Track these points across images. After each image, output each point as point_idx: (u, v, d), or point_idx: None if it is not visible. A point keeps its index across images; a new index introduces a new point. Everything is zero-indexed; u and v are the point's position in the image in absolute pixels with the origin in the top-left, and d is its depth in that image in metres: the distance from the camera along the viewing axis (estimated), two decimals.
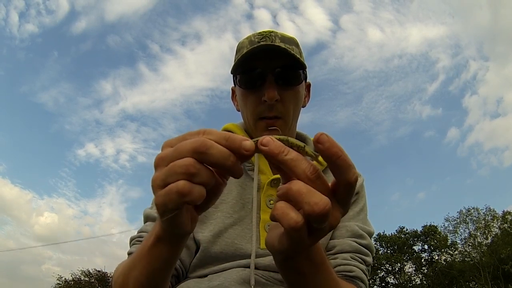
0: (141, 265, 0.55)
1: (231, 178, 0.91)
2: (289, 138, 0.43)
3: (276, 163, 0.40)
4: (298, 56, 0.85)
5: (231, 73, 0.92)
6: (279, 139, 0.42)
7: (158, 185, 0.40)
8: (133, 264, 0.57)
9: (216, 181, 0.42)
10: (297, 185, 0.39)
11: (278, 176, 0.87)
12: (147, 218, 0.86)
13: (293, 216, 0.38)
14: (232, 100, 1.02)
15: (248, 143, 0.40)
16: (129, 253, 0.78)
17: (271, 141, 0.40)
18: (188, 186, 0.38)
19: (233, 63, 0.90)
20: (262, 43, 0.84)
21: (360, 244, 0.83)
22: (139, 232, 0.84)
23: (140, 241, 0.79)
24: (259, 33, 0.89)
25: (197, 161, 0.38)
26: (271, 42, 0.84)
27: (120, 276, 0.61)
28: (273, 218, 0.40)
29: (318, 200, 0.38)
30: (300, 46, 0.93)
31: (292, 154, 0.40)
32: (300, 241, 0.41)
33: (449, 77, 49.61)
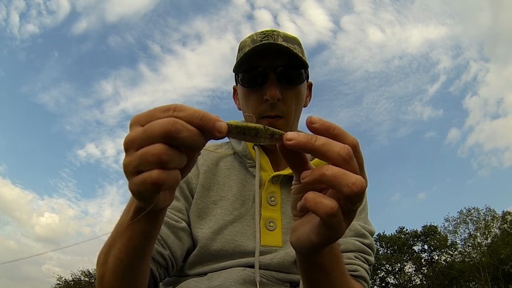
0: (120, 242, 0.54)
1: (230, 174, 0.93)
2: (247, 123, 0.42)
3: (308, 152, 0.40)
4: (300, 55, 0.85)
5: (233, 71, 0.92)
6: (236, 126, 0.41)
7: (130, 172, 0.38)
8: (113, 241, 0.56)
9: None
10: (330, 170, 0.39)
11: (279, 173, 0.87)
12: None
13: (328, 202, 0.38)
14: (234, 99, 1.02)
15: (223, 124, 0.39)
16: None
17: (295, 134, 0.40)
18: (163, 175, 0.37)
19: (235, 62, 0.90)
20: (264, 41, 0.84)
21: (363, 243, 0.84)
22: None
23: None
24: (262, 32, 0.88)
25: (169, 147, 0.37)
26: (274, 41, 0.84)
27: (101, 254, 0.60)
28: (304, 209, 0.40)
29: (355, 179, 0.38)
30: (302, 46, 0.93)
31: (321, 139, 0.40)
32: (339, 226, 0.41)
33: (450, 78, 49.70)
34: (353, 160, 0.40)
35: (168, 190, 0.44)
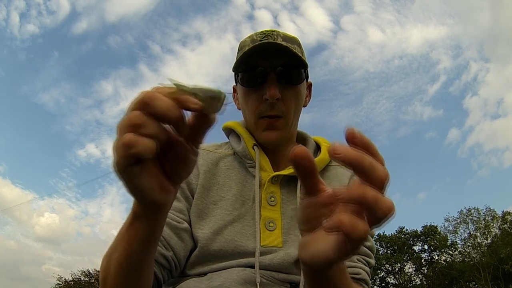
0: (121, 246, 0.54)
1: (230, 174, 0.93)
2: (181, 86, 0.41)
3: (351, 167, 0.39)
4: (300, 55, 0.84)
5: (233, 71, 0.92)
6: (173, 86, 0.40)
7: (114, 148, 0.39)
8: (114, 246, 0.57)
9: (172, 141, 0.42)
10: (371, 192, 0.38)
11: (278, 173, 0.87)
12: None
13: (363, 226, 0.37)
14: (233, 99, 1.01)
15: (194, 100, 0.39)
16: None
17: (344, 148, 0.38)
18: (133, 138, 0.37)
19: (234, 62, 0.90)
20: (264, 41, 0.84)
21: (365, 246, 0.84)
22: None
23: None
24: (261, 32, 0.88)
25: (143, 114, 0.38)
26: (273, 40, 0.84)
27: (104, 258, 0.61)
28: (336, 229, 0.38)
29: (389, 204, 0.38)
30: (302, 46, 0.92)
31: (367, 160, 0.38)
32: (360, 245, 0.40)
33: (450, 78, 49.69)
34: (387, 185, 0.40)
35: (161, 183, 0.43)
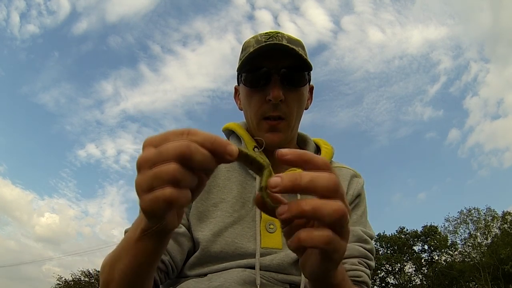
0: (126, 258, 0.55)
1: (231, 176, 0.93)
2: (257, 155, 0.42)
3: (297, 193, 0.40)
4: (305, 57, 0.84)
5: (237, 71, 0.91)
6: (246, 154, 0.42)
7: (143, 190, 0.39)
8: (119, 256, 0.58)
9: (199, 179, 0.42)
10: (308, 203, 0.39)
11: (280, 175, 0.86)
12: None
13: (321, 233, 0.39)
14: (235, 99, 1.01)
15: (234, 148, 0.40)
16: None
17: (278, 180, 0.39)
18: (175, 193, 0.37)
19: (237, 62, 0.90)
20: (269, 42, 0.83)
21: (365, 248, 0.84)
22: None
23: None
24: (266, 33, 0.88)
25: (182, 166, 0.38)
26: (279, 42, 0.84)
27: (106, 265, 0.62)
28: (298, 247, 0.39)
29: (335, 207, 0.39)
30: (306, 49, 0.92)
31: (306, 177, 0.39)
32: (339, 247, 0.41)
33: (450, 79, 49.68)
34: (340, 187, 0.40)
35: (177, 212, 0.46)
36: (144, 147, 0.42)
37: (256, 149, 0.90)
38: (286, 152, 0.41)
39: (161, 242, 0.53)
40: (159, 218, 0.40)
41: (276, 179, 0.40)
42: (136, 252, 0.53)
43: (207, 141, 0.39)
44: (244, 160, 0.42)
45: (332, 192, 0.39)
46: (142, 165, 0.40)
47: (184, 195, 0.38)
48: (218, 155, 0.39)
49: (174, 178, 0.37)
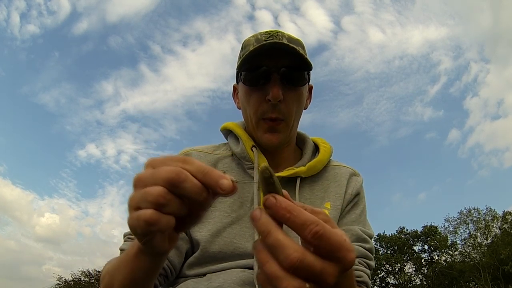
0: (125, 271, 0.56)
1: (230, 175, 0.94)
2: (278, 182, 0.40)
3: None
4: (306, 56, 0.84)
5: (236, 69, 0.91)
6: (264, 177, 0.39)
7: (131, 207, 0.41)
8: (118, 268, 0.59)
9: (196, 207, 0.42)
10: (272, 238, 0.36)
11: (277, 174, 0.86)
12: None
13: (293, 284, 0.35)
14: (234, 97, 1.01)
15: (226, 183, 0.39)
16: (121, 249, 0.79)
17: (258, 216, 0.38)
18: (155, 216, 0.38)
19: (237, 61, 0.90)
20: (269, 41, 0.83)
21: (364, 248, 0.84)
22: None
23: (131, 238, 0.80)
24: (266, 32, 0.87)
25: (169, 192, 0.39)
26: (279, 40, 0.83)
27: (106, 275, 0.64)
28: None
29: (292, 251, 0.35)
30: (306, 49, 0.91)
31: (269, 240, 0.37)
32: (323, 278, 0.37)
33: (451, 79, 49.68)
34: (321, 239, 0.36)
35: (169, 236, 0.46)
36: (144, 167, 0.43)
37: (254, 149, 0.90)
38: (269, 204, 0.38)
39: (157, 261, 0.54)
40: (142, 237, 0.42)
41: (257, 215, 0.38)
42: (134, 266, 0.54)
43: (199, 171, 0.39)
44: (265, 182, 0.40)
45: (291, 267, 0.35)
46: (136, 184, 0.41)
47: (165, 219, 0.39)
48: (210, 188, 0.39)
49: (157, 201, 0.38)
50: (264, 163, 0.89)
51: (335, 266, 0.37)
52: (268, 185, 0.39)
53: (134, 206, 0.40)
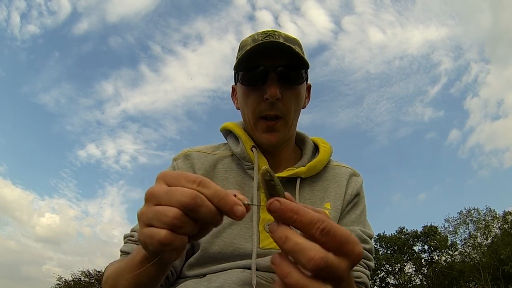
0: (129, 276, 0.57)
1: (228, 176, 0.93)
2: (276, 183, 0.42)
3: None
4: (302, 55, 0.84)
5: (234, 70, 0.91)
6: (265, 179, 0.41)
7: (143, 222, 0.41)
8: (122, 272, 0.59)
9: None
10: (291, 241, 0.37)
11: (277, 175, 0.86)
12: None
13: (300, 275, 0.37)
14: (232, 98, 1.01)
15: (240, 210, 0.40)
16: (122, 251, 0.79)
17: (274, 227, 0.39)
18: (170, 237, 0.39)
19: (235, 61, 0.90)
20: (266, 40, 0.83)
21: (364, 248, 0.83)
22: (132, 230, 0.84)
23: (132, 240, 0.80)
24: (263, 31, 0.88)
25: (184, 214, 0.39)
26: (275, 40, 0.83)
27: (109, 278, 0.64)
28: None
29: (315, 252, 0.36)
30: (303, 48, 0.92)
31: (289, 243, 0.37)
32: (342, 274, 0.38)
33: (451, 80, 49.62)
34: (327, 235, 0.37)
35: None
36: (156, 180, 0.43)
37: (254, 149, 0.90)
38: (274, 208, 0.39)
39: (163, 269, 0.54)
40: (153, 253, 0.42)
41: (273, 228, 0.40)
42: (138, 273, 0.54)
43: (216, 196, 0.40)
44: (267, 184, 0.41)
45: (315, 268, 0.36)
46: (149, 199, 0.41)
47: (179, 240, 0.39)
48: (224, 212, 0.40)
49: (173, 223, 0.39)
50: (264, 164, 0.89)
51: (346, 261, 0.37)
52: (270, 187, 0.40)
53: (146, 222, 0.40)
